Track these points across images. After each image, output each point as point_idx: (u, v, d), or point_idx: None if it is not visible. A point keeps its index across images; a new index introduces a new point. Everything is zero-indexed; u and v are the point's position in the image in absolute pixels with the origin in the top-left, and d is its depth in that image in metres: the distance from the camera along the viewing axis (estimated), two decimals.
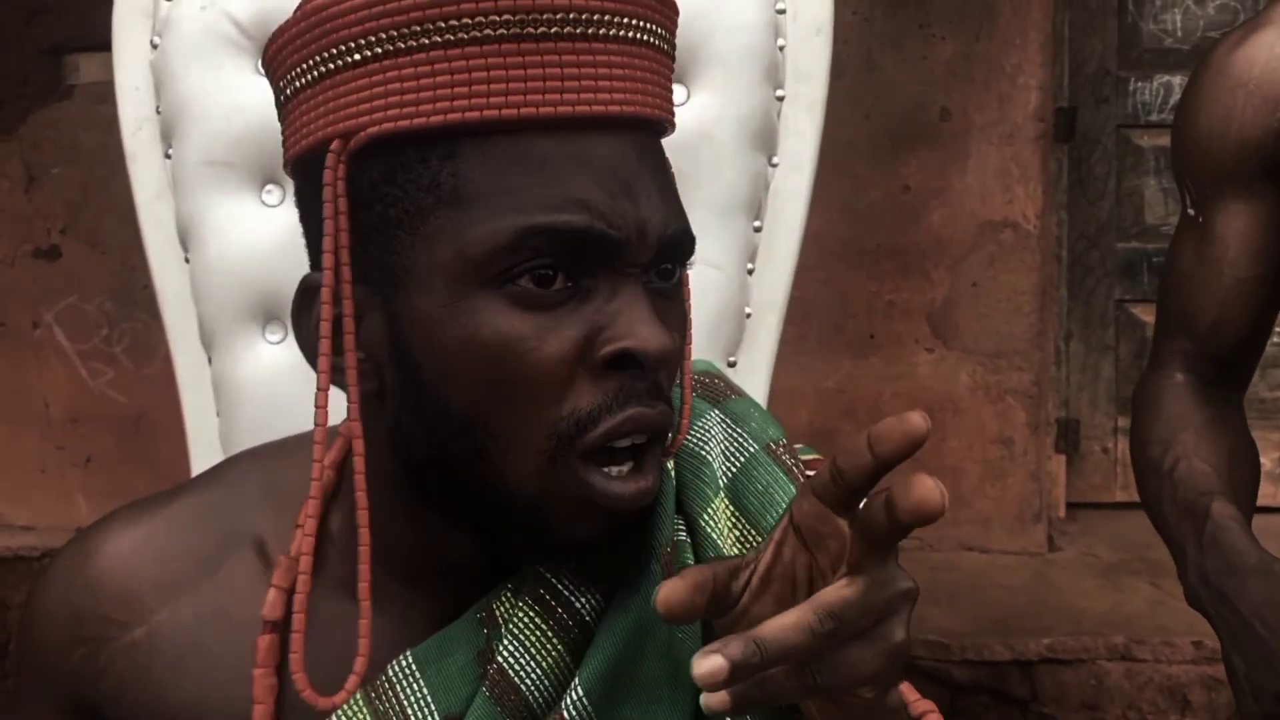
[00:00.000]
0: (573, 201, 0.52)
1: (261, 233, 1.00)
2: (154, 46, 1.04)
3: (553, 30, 0.52)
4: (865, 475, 0.47)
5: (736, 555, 0.54)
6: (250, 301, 1.01)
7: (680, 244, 0.57)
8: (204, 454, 1.05)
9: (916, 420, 0.45)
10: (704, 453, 0.65)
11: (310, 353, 0.58)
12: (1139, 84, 2.43)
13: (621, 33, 0.54)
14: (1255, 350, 1.02)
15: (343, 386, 0.56)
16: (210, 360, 1.04)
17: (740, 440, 0.66)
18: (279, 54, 0.58)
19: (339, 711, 0.59)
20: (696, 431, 0.66)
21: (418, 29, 0.52)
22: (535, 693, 0.58)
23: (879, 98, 2.21)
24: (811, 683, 0.48)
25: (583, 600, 0.59)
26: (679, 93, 1.01)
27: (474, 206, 0.53)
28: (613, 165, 0.54)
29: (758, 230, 1.05)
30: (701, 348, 1.04)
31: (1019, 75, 2.20)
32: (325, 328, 0.55)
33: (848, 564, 0.49)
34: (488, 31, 0.52)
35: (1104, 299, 2.48)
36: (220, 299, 1.01)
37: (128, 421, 2.30)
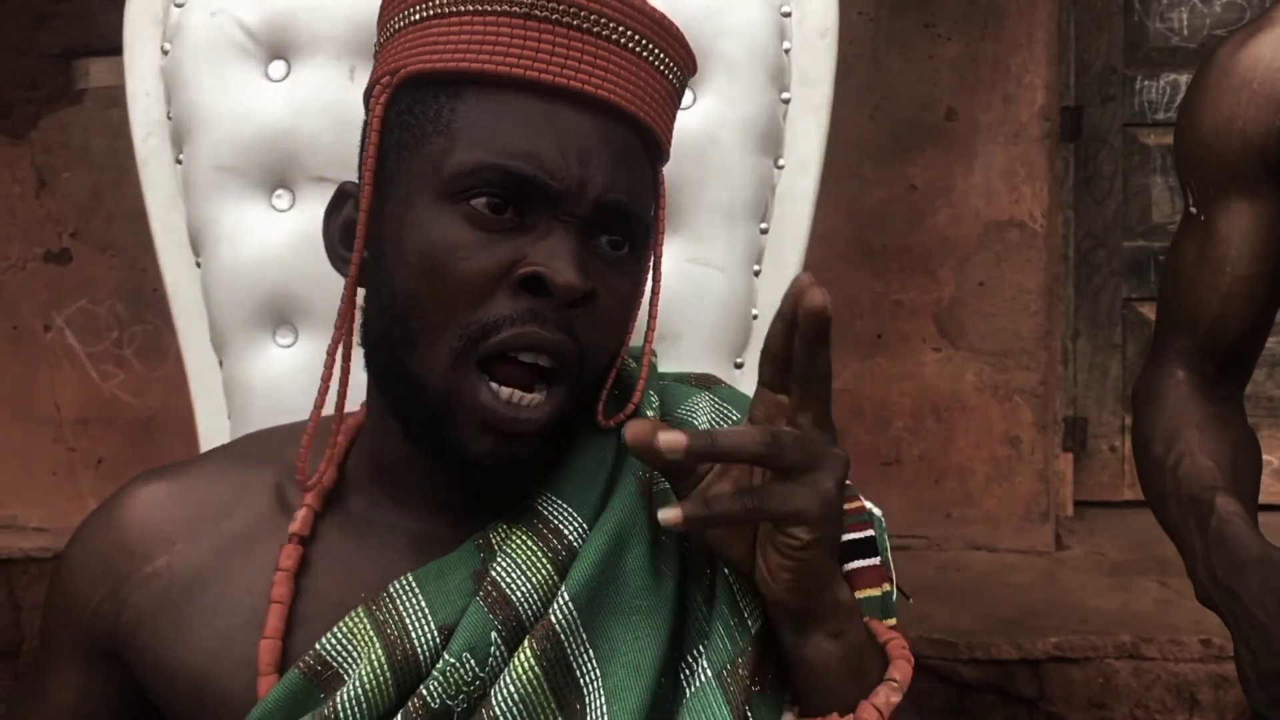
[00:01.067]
0: (528, 153, 0.63)
1: (272, 237, 1.01)
2: (164, 53, 1.05)
3: (553, 16, 0.65)
4: (781, 337, 0.60)
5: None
6: (261, 305, 1.01)
7: (620, 210, 0.66)
8: None
9: (803, 279, 0.57)
10: (692, 420, 0.75)
11: (329, 247, 0.72)
12: (1145, 82, 2.43)
13: (615, 37, 0.66)
14: (1256, 348, 1.02)
15: (344, 273, 0.69)
16: (221, 363, 1.04)
17: (725, 412, 0.76)
18: (382, 12, 0.72)
19: (343, 621, 0.65)
20: (686, 405, 0.76)
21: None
22: (525, 604, 0.65)
23: (885, 98, 2.21)
24: (750, 504, 0.59)
25: (571, 528, 0.67)
26: (685, 96, 1.01)
27: (457, 138, 0.65)
28: (574, 132, 0.65)
29: (764, 232, 1.05)
30: (708, 349, 1.04)
31: (1024, 75, 2.20)
32: (360, 228, 0.67)
33: (787, 420, 0.61)
34: (503, 7, 0.65)
35: (1111, 297, 2.48)
36: (231, 303, 1.02)
37: (138, 423, 2.31)
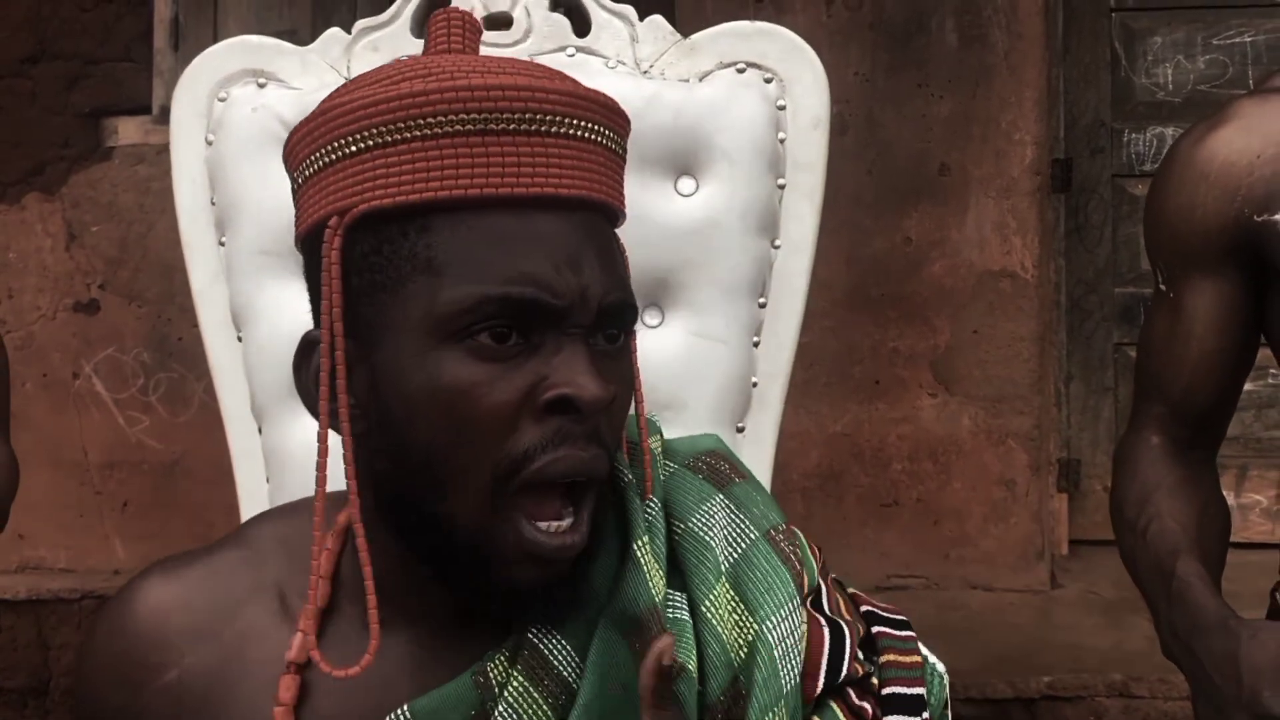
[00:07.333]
0: (524, 275, 0.61)
1: (308, 316, 1.09)
2: (209, 143, 1.13)
3: (510, 127, 0.62)
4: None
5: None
6: None
7: (620, 310, 0.65)
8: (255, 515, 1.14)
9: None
10: (707, 538, 0.70)
11: (307, 398, 0.67)
12: (1133, 135, 2.51)
13: (571, 131, 0.64)
14: (1225, 413, 1.09)
15: (338, 429, 0.64)
16: (261, 430, 1.12)
17: (742, 526, 0.72)
18: (295, 148, 0.68)
19: None
20: (701, 516, 0.72)
21: (401, 125, 0.62)
22: None
23: (881, 154, 2.29)
24: None
25: (569, 669, 0.65)
26: (689, 184, 1.09)
27: (443, 274, 0.61)
28: (561, 240, 0.63)
29: (762, 306, 1.13)
30: (711, 416, 1.12)
31: (1015, 131, 2.29)
32: (324, 376, 0.63)
33: None
34: (457, 127, 0.62)
35: (1103, 342, 2.55)
36: (271, 375, 1.08)
37: (163, 467, 2.38)
